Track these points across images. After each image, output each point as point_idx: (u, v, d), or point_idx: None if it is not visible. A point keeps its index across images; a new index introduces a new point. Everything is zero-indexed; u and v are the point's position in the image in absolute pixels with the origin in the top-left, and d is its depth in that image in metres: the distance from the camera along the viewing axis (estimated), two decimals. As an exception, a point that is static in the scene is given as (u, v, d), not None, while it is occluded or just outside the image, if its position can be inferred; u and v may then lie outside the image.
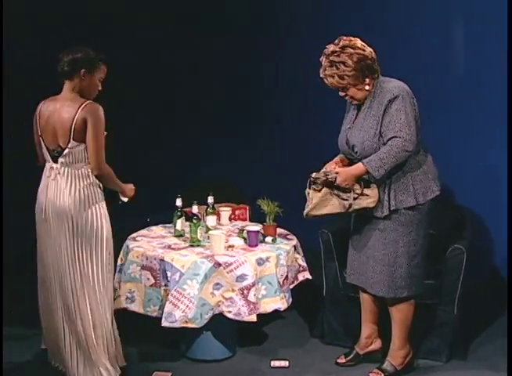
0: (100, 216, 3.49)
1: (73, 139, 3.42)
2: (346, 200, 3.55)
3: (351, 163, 3.65)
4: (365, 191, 3.54)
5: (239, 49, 5.75)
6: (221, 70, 5.84)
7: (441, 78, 4.78)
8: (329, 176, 3.54)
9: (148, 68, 5.58)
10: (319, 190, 3.55)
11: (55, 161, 3.48)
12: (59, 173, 3.47)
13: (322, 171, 3.61)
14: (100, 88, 3.57)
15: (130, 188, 3.67)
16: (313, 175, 3.58)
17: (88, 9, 5.63)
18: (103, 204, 3.55)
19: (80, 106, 3.41)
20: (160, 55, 5.78)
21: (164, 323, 3.62)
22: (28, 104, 5.51)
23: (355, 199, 3.54)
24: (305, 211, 3.61)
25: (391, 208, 3.54)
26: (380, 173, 3.48)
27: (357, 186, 3.55)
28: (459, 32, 4.80)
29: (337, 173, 3.55)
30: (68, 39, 5.53)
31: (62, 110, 3.45)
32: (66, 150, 3.44)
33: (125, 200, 3.66)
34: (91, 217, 3.47)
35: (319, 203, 3.56)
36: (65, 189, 3.46)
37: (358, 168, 3.55)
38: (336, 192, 3.56)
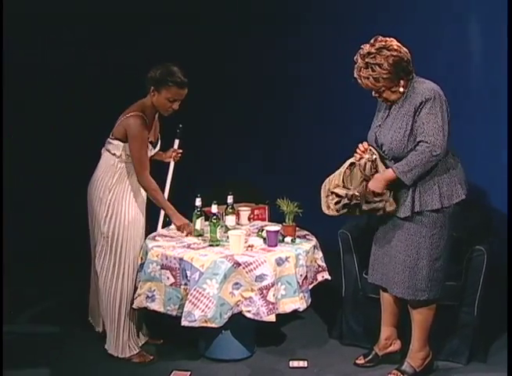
0: (102, 204, 3.84)
1: (112, 134, 3.86)
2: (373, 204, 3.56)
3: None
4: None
5: (263, 50, 5.76)
6: (242, 71, 5.85)
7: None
8: (352, 200, 3.57)
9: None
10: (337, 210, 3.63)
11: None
12: (101, 154, 3.93)
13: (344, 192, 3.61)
14: (175, 107, 3.84)
15: (180, 221, 3.94)
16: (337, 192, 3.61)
17: (90, 9, 5.68)
18: (119, 200, 3.83)
19: (128, 113, 3.80)
20: (175, 54, 5.79)
21: (184, 323, 3.63)
22: (28, 104, 5.65)
23: (378, 210, 3.55)
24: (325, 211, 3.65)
25: (415, 210, 3.52)
26: (409, 178, 3.46)
27: (387, 193, 3.55)
28: (466, 33, 4.78)
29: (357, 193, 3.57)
30: (68, 39, 5.64)
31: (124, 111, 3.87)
32: (107, 139, 3.90)
33: (172, 226, 4.01)
34: (96, 200, 3.86)
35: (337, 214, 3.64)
36: (97, 166, 3.92)
37: (388, 172, 3.54)
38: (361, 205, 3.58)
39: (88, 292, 4.11)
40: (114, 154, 3.84)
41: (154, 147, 3.97)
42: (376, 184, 3.55)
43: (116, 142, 3.83)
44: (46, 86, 5.68)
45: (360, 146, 3.62)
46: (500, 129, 4.45)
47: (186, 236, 3.95)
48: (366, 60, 3.46)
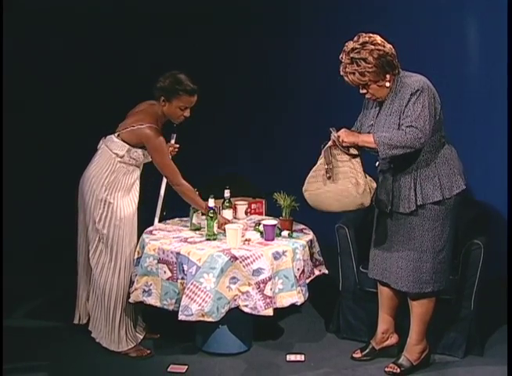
0: (97, 201, 3.83)
1: (118, 135, 3.84)
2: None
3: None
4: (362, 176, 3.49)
5: (253, 48, 5.79)
6: (242, 67, 5.85)
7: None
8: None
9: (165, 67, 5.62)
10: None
11: (105, 137, 3.92)
12: (99, 148, 3.91)
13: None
14: (186, 114, 3.85)
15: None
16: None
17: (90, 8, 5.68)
18: (114, 197, 3.83)
19: (142, 124, 3.79)
20: (175, 53, 5.79)
21: (181, 317, 3.63)
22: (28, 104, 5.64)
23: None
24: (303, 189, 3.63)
25: (418, 203, 3.52)
26: (384, 152, 3.43)
27: (354, 150, 3.51)
28: (462, 33, 4.81)
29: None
30: (68, 35, 5.62)
31: (134, 113, 3.90)
32: (110, 135, 3.87)
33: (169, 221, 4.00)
34: (91, 196, 3.84)
35: (312, 176, 3.58)
36: (93, 161, 3.89)
37: (368, 136, 3.51)
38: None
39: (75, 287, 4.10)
40: (116, 154, 3.83)
41: None
42: (349, 135, 3.52)
43: (121, 143, 3.83)
44: (43, 86, 5.69)
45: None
46: (499, 123, 4.47)
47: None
48: (351, 56, 3.48)
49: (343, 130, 3.54)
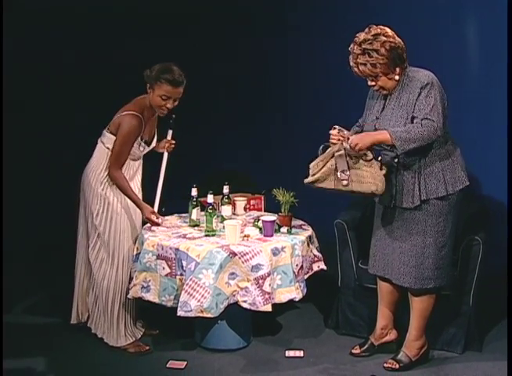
0: (95, 196, 3.84)
1: (108, 128, 3.87)
2: (343, 175, 3.47)
3: None
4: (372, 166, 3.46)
5: (253, 48, 5.80)
6: (240, 62, 5.86)
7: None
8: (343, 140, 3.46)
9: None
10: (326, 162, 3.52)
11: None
12: (97, 143, 3.93)
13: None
14: (168, 106, 3.80)
15: (146, 209, 3.88)
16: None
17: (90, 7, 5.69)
18: (111, 192, 3.85)
19: (124, 111, 3.81)
20: (175, 49, 5.80)
21: (180, 313, 3.62)
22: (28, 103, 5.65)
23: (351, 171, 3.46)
24: (306, 180, 3.58)
25: (422, 198, 3.52)
26: (403, 147, 3.41)
27: (369, 153, 3.48)
28: (462, 33, 4.81)
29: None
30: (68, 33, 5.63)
31: (125, 105, 3.89)
32: (103, 131, 3.90)
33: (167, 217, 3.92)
34: (90, 191, 3.86)
35: (321, 177, 3.53)
36: (91, 158, 3.91)
37: (382, 133, 3.47)
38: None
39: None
40: (108, 148, 3.84)
41: (148, 145, 3.97)
42: (363, 138, 3.48)
43: (111, 135, 3.83)
44: (43, 86, 5.69)
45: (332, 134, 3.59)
46: (499, 123, 4.47)
47: (158, 223, 3.94)
48: (363, 47, 3.47)
49: (354, 136, 3.49)
